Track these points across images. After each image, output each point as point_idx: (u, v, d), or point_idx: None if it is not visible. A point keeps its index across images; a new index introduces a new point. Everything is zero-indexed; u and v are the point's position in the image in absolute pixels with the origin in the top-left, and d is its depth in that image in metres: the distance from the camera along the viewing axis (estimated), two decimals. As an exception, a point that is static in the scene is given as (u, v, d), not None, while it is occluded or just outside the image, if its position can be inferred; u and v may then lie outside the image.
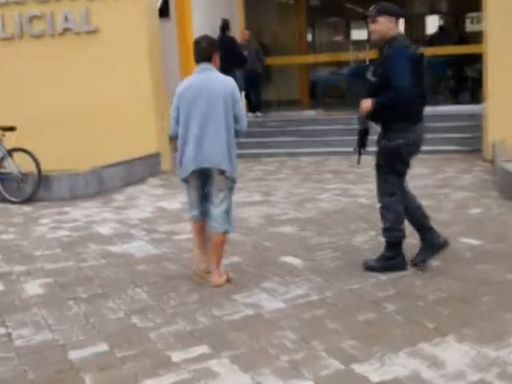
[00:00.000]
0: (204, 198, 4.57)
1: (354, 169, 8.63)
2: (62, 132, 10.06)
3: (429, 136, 10.36)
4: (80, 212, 7.39)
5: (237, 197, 7.54)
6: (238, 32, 13.20)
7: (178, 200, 7.66)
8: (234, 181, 4.51)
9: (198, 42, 4.55)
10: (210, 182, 4.48)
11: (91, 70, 10.03)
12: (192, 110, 4.40)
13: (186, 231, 6.15)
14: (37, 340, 3.77)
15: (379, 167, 4.65)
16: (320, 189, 7.99)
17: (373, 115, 4.51)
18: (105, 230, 6.44)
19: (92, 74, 10.02)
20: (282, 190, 8.11)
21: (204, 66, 4.49)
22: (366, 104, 4.48)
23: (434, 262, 4.75)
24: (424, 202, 5.03)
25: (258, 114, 13.18)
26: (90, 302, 4.36)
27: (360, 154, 4.76)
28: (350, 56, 14.54)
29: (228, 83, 4.50)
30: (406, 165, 4.62)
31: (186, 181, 4.54)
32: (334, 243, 5.50)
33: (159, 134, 10.23)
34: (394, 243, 4.67)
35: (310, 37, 17.95)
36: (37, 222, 6.99)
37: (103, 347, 3.61)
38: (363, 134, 4.70)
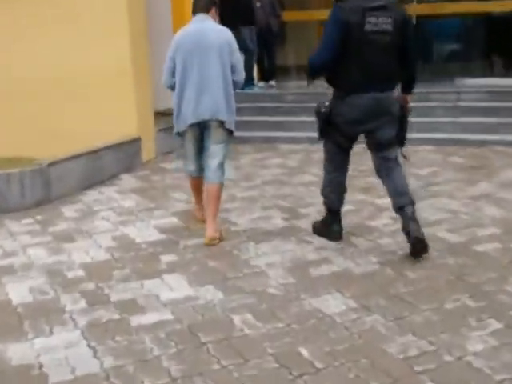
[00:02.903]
0: (201, 152, 4.52)
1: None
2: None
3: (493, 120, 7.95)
4: (-3, 244, 4.70)
5: (246, 218, 5.00)
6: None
7: (155, 222, 4.99)
8: (231, 133, 4.50)
9: None
10: (208, 135, 4.43)
11: (41, 25, 7.24)
12: (189, 61, 4.32)
13: (159, 300, 3.51)
14: None
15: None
16: (371, 205, 5.32)
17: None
18: (18, 295, 3.71)
19: (45, 31, 7.24)
20: (314, 202, 5.39)
21: (201, 16, 4.45)
22: None
23: None
24: None
25: (272, 83, 10.40)
26: None
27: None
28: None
29: (224, 31, 4.46)
30: (343, 135, 4.33)
31: (182, 135, 4.47)
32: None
33: (142, 111, 7.47)
34: (327, 208, 4.45)
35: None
36: None
37: None
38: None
